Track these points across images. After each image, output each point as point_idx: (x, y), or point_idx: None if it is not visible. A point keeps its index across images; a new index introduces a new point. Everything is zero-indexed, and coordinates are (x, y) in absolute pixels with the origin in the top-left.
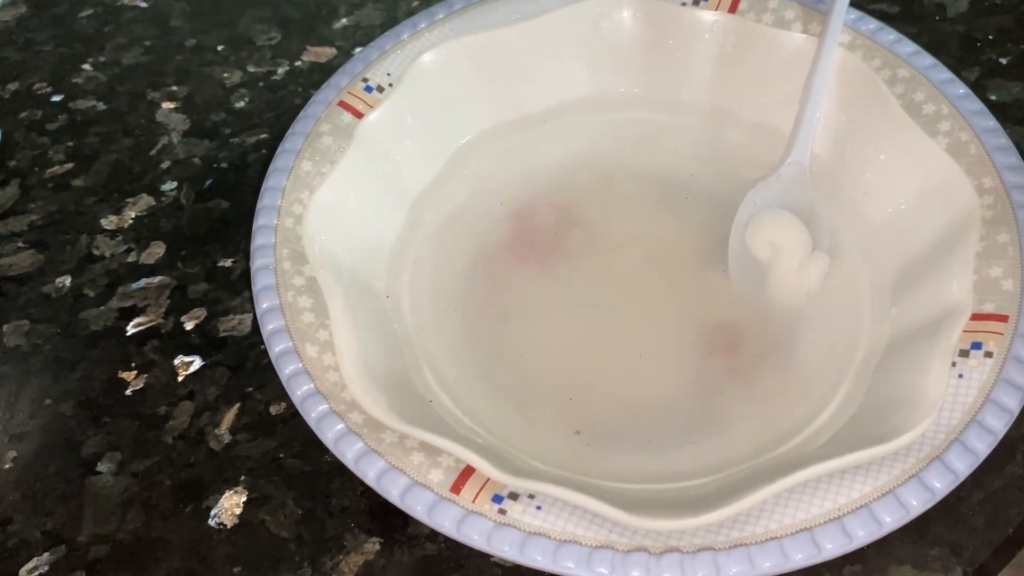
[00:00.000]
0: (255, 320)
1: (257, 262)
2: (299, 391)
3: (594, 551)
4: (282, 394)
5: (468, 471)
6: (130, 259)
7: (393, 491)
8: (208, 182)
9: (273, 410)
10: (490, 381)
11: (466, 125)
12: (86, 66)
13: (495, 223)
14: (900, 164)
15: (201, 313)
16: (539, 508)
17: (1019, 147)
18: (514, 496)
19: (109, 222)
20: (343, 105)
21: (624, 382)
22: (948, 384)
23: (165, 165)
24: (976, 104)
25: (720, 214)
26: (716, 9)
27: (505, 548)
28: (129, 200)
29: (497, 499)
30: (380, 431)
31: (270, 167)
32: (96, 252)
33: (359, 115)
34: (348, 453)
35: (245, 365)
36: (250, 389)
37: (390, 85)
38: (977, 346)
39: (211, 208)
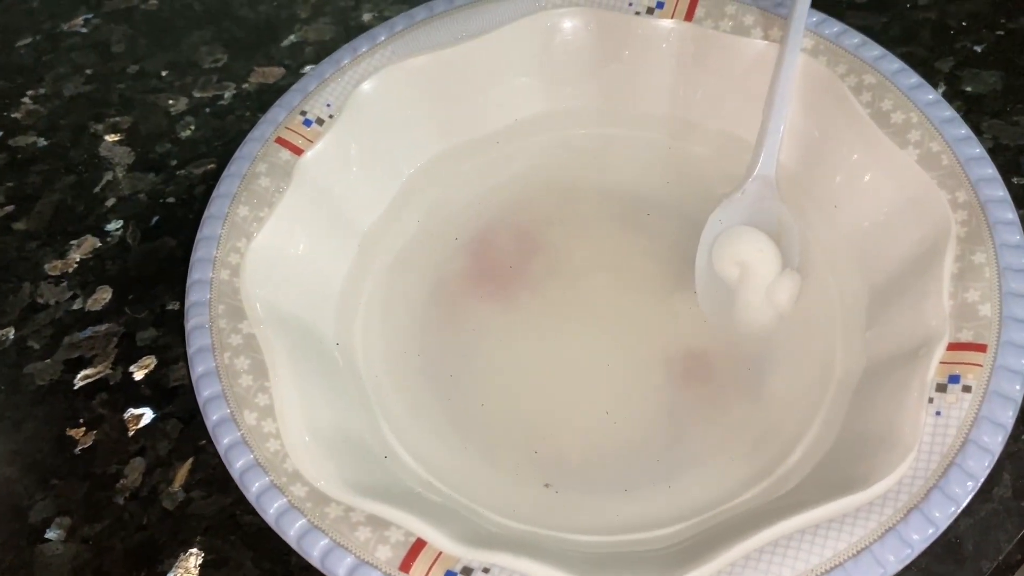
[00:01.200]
0: None
1: (191, 321)
2: (237, 464)
3: None
4: None
5: (419, 545)
6: (75, 306)
7: (339, 572)
8: (155, 219)
9: None
10: (452, 431)
11: (415, 152)
12: (25, 99)
13: (451, 255)
14: (870, 177)
15: (150, 362)
16: None
17: (997, 142)
18: (467, 571)
19: (53, 267)
20: (281, 142)
21: (593, 423)
22: (925, 423)
23: (110, 203)
24: (947, 111)
25: (687, 231)
26: (672, 17)
27: None
28: (73, 242)
29: (449, 575)
30: (324, 504)
31: (204, 214)
32: (40, 300)
33: (298, 151)
34: (290, 531)
35: (197, 416)
36: (203, 442)
37: (330, 116)
38: (955, 379)
39: (158, 247)
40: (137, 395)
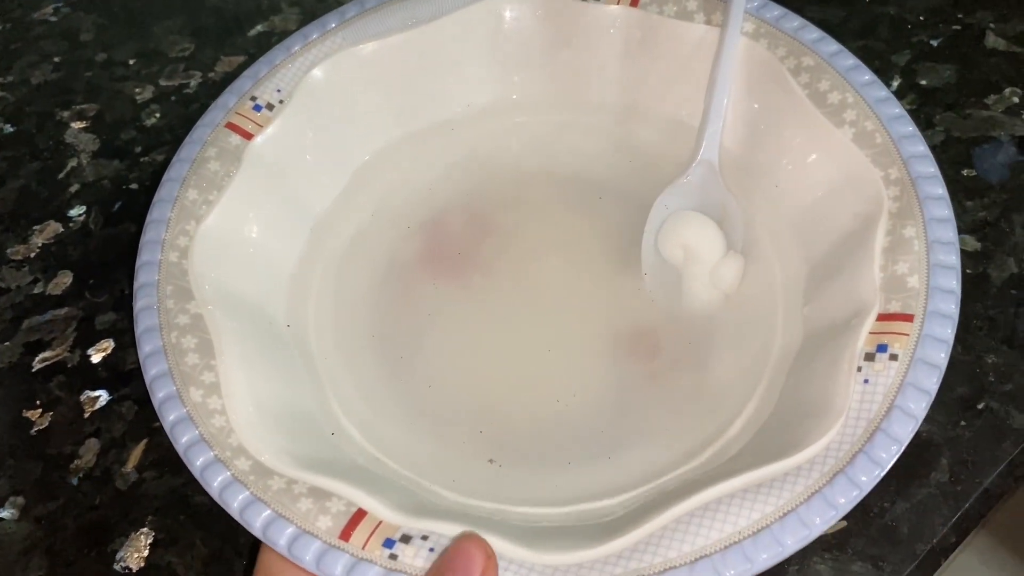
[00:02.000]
0: None
1: (139, 303)
2: (183, 439)
3: None
4: None
5: (359, 515)
6: (36, 290)
7: (280, 541)
8: (117, 205)
9: None
10: (401, 409)
11: (368, 139)
12: None
13: (404, 239)
14: (808, 156)
15: (108, 345)
16: (431, 550)
17: (949, 134)
18: (406, 539)
19: (15, 252)
20: (231, 127)
21: (540, 400)
22: (854, 390)
23: (74, 188)
24: (882, 91)
25: (635, 214)
26: (618, 3)
27: None
28: (36, 228)
29: (388, 543)
30: (267, 477)
31: (154, 198)
32: (1, 285)
33: (248, 136)
34: (233, 503)
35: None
36: (157, 424)
37: (280, 102)
38: (883, 348)
39: (119, 233)
40: (94, 378)
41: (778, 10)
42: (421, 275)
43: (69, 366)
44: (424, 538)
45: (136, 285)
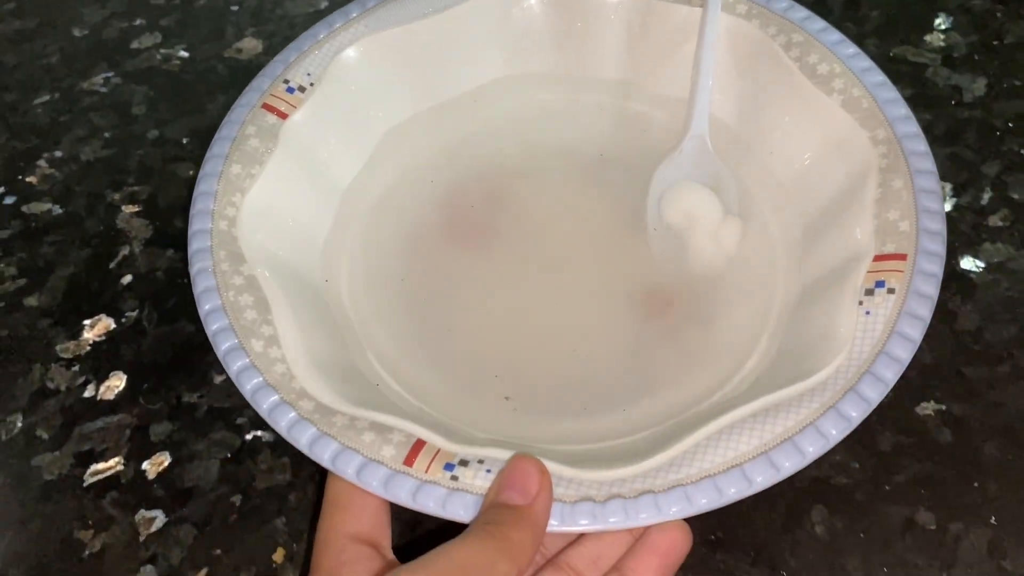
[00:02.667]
0: (222, 468)
1: (196, 266)
2: (248, 384)
3: None
4: (252, 558)
5: (419, 444)
6: (87, 393)
7: (348, 470)
8: (172, 300)
9: None
10: (428, 360)
11: (388, 116)
12: (41, 162)
13: (425, 208)
14: (801, 123)
15: (163, 459)
16: (489, 471)
17: None
18: (464, 463)
19: (65, 349)
20: (267, 107)
21: (559, 350)
22: (857, 321)
23: (126, 280)
24: (866, 62)
25: (639, 182)
26: None
27: (460, 512)
28: (86, 322)
29: (449, 467)
30: (331, 415)
31: (200, 172)
32: (50, 385)
33: (283, 116)
34: (302, 439)
35: (212, 522)
36: (217, 552)
37: (311, 84)
38: (880, 284)
39: (175, 332)
40: (149, 496)
41: None
42: (442, 243)
43: (123, 481)
44: (480, 462)
45: (191, 250)
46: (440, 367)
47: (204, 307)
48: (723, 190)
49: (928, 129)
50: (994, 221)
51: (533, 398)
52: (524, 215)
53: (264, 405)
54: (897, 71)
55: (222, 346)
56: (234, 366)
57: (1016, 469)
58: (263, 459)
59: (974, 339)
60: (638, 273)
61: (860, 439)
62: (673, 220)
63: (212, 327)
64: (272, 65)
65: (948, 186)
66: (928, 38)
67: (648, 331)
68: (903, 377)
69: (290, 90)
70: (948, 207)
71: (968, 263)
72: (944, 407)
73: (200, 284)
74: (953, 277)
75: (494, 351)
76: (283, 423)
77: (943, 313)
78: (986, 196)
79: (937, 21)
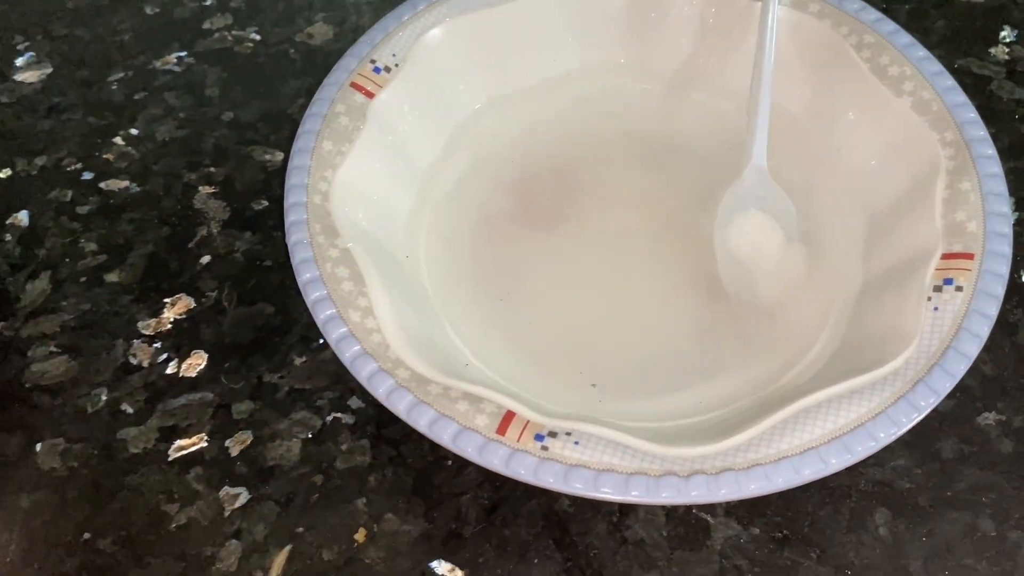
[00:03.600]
0: (303, 449)
1: (293, 237)
2: (348, 352)
3: (629, 477)
4: (335, 537)
5: (509, 415)
6: (170, 370)
7: (445, 436)
8: (251, 282)
9: (326, 555)
10: (508, 341)
11: (466, 100)
12: (118, 139)
13: (497, 192)
14: (870, 122)
15: (247, 437)
16: (576, 443)
17: None
18: (553, 434)
19: (146, 326)
20: (355, 86)
21: (631, 333)
22: (925, 316)
23: (205, 260)
24: (936, 66)
25: (706, 169)
26: None
27: (550, 479)
28: (167, 300)
29: (539, 438)
30: (426, 384)
31: (293, 147)
32: (133, 361)
33: (370, 95)
34: (400, 405)
35: (294, 500)
36: (300, 529)
37: (396, 65)
38: (949, 282)
39: (255, 314)
40: (233, 472)
41: None
42: (515, 226)
43: (207, 458)
44: (568, 434)
45: (288, 222)
46: (521, 353)
47: (303, 276)
48: (784, 216)
49: (993, 142)
50: None
51: (613, 380)
52: (594, 200)
53: (363, 372)
54: (961, 83)
55: (321, 315)
56: (334, 334)
57: None
58: (343, 440)
59: None
60: (703, 258)
61: (923, 446)
62: (739, 251)
63: (311, 296)
64: (358, 45)
65: (1011, 201)
66: (993, 51)
67: (714, 314)
68: (965, 387)
69: (376, 70)
70: (1014, 219)
71: None
72: (1005, 418)
73: (298, 255)
74: (1014, 290)
75: (571, 338)
76: (381, 390)
77: (1004, 325)
78: None
79: (1003, 34)
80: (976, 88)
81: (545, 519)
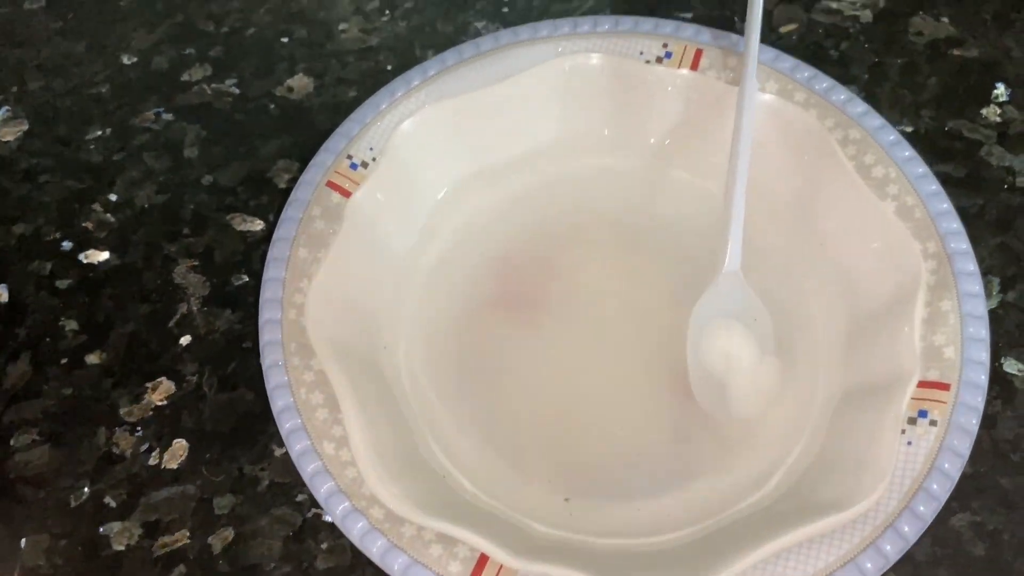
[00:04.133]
0: (284, 546)
1: (267, 360)
2: (322, 489)
3: None
4: None
5: (483, 559)
6: (152, 461)
7: None
8: (231, 365)
9: None
10: (486, 446)
11: (444, 181)
12: (96, 206)
13: (477, 275)
14: (853, 222)
15: (228, 534)
16: None
17: None
18: None
19: (128, 412)
20: (331, 186)
21: (608, 435)
22: (898, 451)
23: (185, 341)
24: (921, 167)
25: (689, 254)
26: (679, 67)
27: None
28: (148, 385)
29: None
30: (400, 525)
31: (268, 256)
32: (115, 451)
33: (347, 194)
34: (373, 548)
35: None
36: None
37: (373, 160)
38: (923, 414)
39: (235, 400)
40: (215, 571)
41: (827, 82)
42: (494, 311)
43: (190, 556)
44: None
45: (262, 342)
46: (499, 459)
47: (277, 404)
48: (759, 326)
49: (980, 215)
50: None
51: (588, 483)
52: (573, 283)
53: (337, 511)
54: (951, 148)
55: (296, 446)
56: (308, 468)
57: None
58: (324, 538)
59: (1012, 447)
60: (682, 352)
61: None
62: (711, 361)
63: (286, 426)
64: (334, 139)
65: (996, 281)
66: (985, 111)
67: (691, 416)
68: None
69: (353, 166)
70: (994, 304)
71: (1011, 366)
72: (979, 519)
73: (272, 380)
74: (995, 380)
75: (549, 439)
76: (355, 531)
77: (984, 418)
78: None
79: (996, 92)
80: (966, 154)
81: None
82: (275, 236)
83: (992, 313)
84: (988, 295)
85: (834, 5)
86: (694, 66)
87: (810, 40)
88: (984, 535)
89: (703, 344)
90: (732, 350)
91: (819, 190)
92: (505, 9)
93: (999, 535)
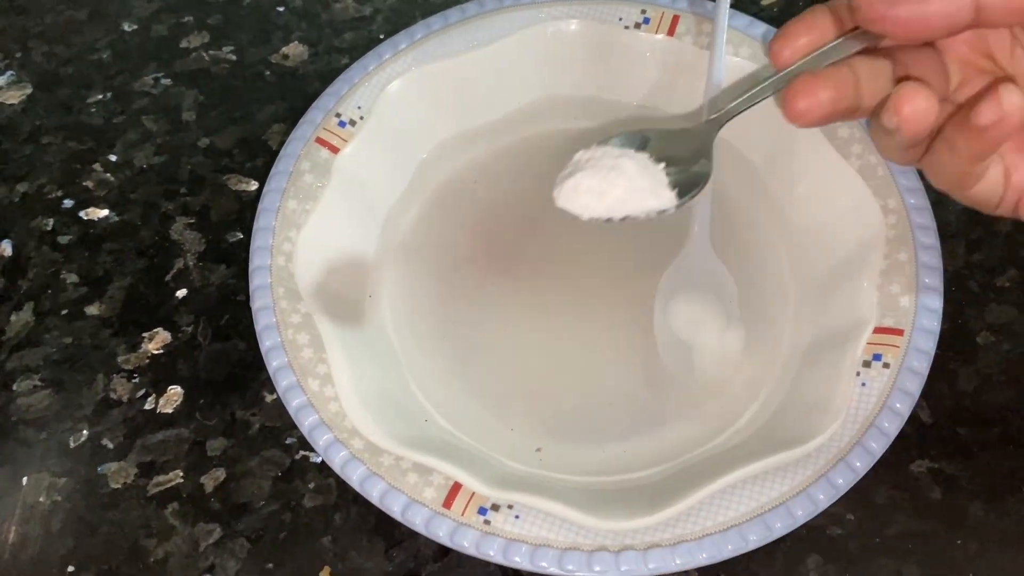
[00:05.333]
0: (273, 486)
1: (257, 303)
2: (306, 422)
3: (564, 552)
4: (302, 574)
5: (456, 488)
6: (148, 406)
7: (395, 508)
8: (225, 317)
9: None
10: (465, 389)
11: (430, 141)
12: (96, 166)
13: (459, 234)
14: (820, 181)
15: (220, 474)
16: (517, 517)
17: None
18: (496, 507)
19: (125, 360)
20: (320, 142)
21: (584, 381)
22: (853, 392)
23: (181, 294)
24: None
25: (664, 220)
26: (656, 32)
27: (491, 553)
28: (145, 335)
29: (482, 511)
30: (379, 455)
31: (259, 206)
32: (113, 396)
33: (335, 150)
34: (353, 475)
35: (264, 537)
36: (269, 566)
37: (361, 118)
38: (877, 357)
39: (228, 350)
40: (207, 509)
41: None
42: (475, 269)
43: (183, 494)
44: (510, 507)
45: (252, 287)
46: (477, 402)
47: (265, 343)
48: (725, 294)
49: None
50: (1002, 282)
51: (560, 429)
52: (552, 248)
53: (320, 442)
54: None
55: (282, 383)
56: (293, 403)
57: (996, 530)
58: (311, 478)
59: (971, 400)
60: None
61: (857, 491)
62: (679, 328)
63: (273, 363)
64: (324, 98)
65: (962, 243)
66: None
67: (659, 367)
68: (902, 434)
69: (341, 124)
70: (960, 264)
71: (973, 323)
72: (937, 465)
73: (261, 321)
74: (957, 336)
75: (527, 384)
76: (336, 460)
77: (945, 373)
78: (997, 255)
79: None
80: None
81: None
82: (266, 188)
83: (957, 274)
84: (954, 256)
85: None
86: (671, 32)
87: (790, 15)
88: (941, 480)
89: (670, 312)
90: (697, 317)
91: (786, 152)
92: None
93: (955, 481)
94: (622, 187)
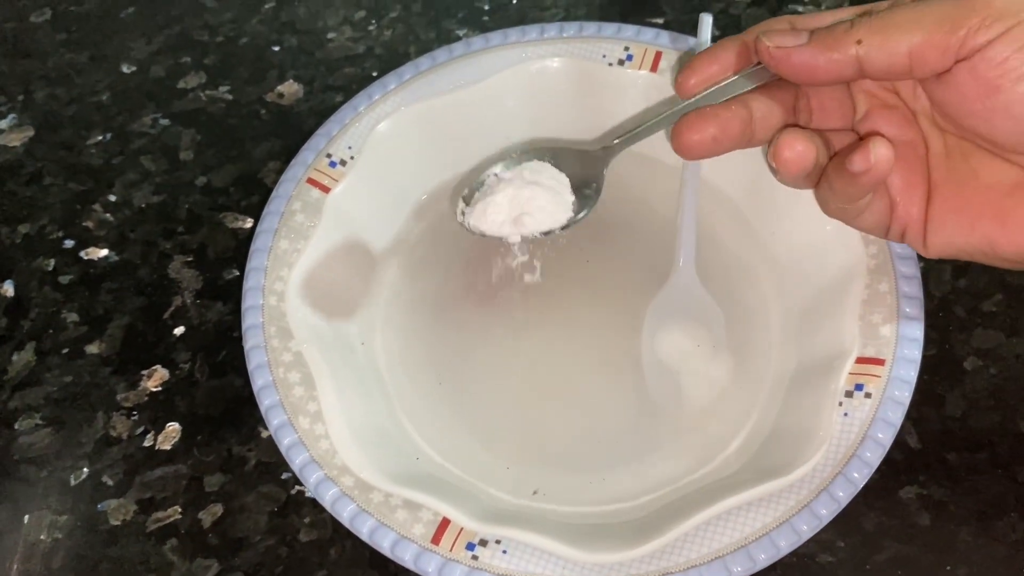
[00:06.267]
0: (269, 521)
1: (249, 342)
2: (297, 459)
3: None
4: None
5: (444, 523)
6: (146, 443)
7: (384, 544)
8: (222, 354)
9: None
10: (457, 424)
11: (420, 181)
12: (96, 206)
13: (451, 273)
14: (801, 211)
15: (218, 509)
16: (504, 552)
17: None
18: (484, 543)
19: (125, 398)
20: (311, 182)
21: (573, 413)
22: (835, 423)
23: (179, 331)
24: None
25: (650, 248)
26: (639, 69)
27: None
28: (144, 372)
29: (470, 546)
30: (368, 492)
31: (251, 246)
32: (113, 433)
33: (326, 190)
34: (344, 512)
35: (261, 572)
36: None
37: (351, 158)
38: (859, 387)
39: (224, 386)
40: (205, 544)
41: None
42: (466, 307)
43: (182, 530)
44: (497, 542)
45: (244, 326)
46: (469, 436)
47: (257, 383)
48: (712, 322)
49: None
50: (988, 307)
51: (551, 462)
52: (544, 282)
53: (311, 479)
54: None
55: (273, 421)
56: (284, 441)
57: (985, 555)
58: (306, 513)
59: (959, 425)
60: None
61: (846, 518)
62: (666, 355)
63: (264, 402)
64: (315, 139)
65: (948, 268)
66: None
67: (648, 394)
68: (890, 460)
69: (332, 164)
70: (946, 289)
71: (960, 348)
72: (926, 491)
73: (253, 360)
74: (944, 362)
75: (517, 417)
76: (327, 497)
77: (932, 398)
78: (983, 280)
79: None
80: None
81: None
82: (258, 228)
83: (943, 299)
84: (940, 282)
85: (800, 9)
86: (654, 68)
87: None
88: (930, 506)
89: (658, 341)
90: (685, 345)
91: (769, 183)
92: (486, 18)
93: (944, 506)
94: (537, 206)
